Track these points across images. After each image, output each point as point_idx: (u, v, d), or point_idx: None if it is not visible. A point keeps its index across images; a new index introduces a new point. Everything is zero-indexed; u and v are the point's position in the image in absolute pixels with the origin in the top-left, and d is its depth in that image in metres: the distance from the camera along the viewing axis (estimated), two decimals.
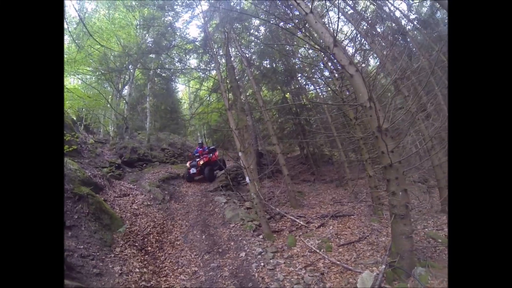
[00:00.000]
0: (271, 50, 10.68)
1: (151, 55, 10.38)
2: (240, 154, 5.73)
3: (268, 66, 12.45)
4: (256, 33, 11.93)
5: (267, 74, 12.11)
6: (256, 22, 11.56)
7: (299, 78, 13.20)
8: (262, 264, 4.12)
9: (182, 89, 19.68)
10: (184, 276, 3.98)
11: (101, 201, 5.95)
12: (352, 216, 6.39)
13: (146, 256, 4.55)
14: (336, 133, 9.51)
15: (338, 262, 3.94)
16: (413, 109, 5.98)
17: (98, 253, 4.25)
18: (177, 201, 7.97)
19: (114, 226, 5.43)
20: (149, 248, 4.85)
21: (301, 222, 5.86)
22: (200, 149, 10.93)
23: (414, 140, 6.78)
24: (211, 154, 10.64)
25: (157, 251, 4.80)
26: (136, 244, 4.90)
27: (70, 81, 16.01)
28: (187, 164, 10.52)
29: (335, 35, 3.31)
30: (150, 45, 11.18)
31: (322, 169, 13.42)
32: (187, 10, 10.11)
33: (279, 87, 13.66)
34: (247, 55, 11.29)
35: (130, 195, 7.55)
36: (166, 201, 7.74)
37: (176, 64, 12.57)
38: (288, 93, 14.17)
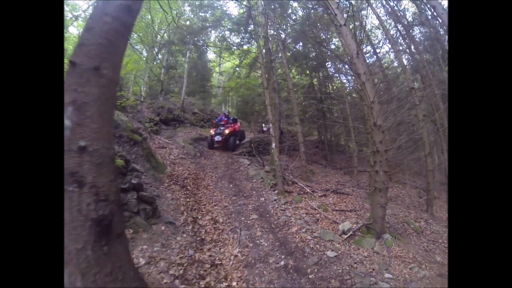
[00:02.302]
0: (306, 35, 11.11)
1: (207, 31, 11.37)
2: (270, 125, 7.08)
3: (301, 50, 12.94)
4: (294, 16, 12.29)
5: (298, 58, 12.71)
6: (294, 4, 11.81)
7: (328, 66, 13.77)
8: (276, 206, 5.64)
9: (212, 58, 21.11)
10: (218, 207, 5.52)
11: (150, 147, 7.49)
12: (350, 196, 7.60)
13: (187, 191, 6.08)
14: (352, 124, 10.50)
15: (330, 217, 5.32)
16: (420, 116, 6.93)
17: (154, 183, 5.80)
18: (206, 159, 9.46)
19: (160, 169, 6.97)
20: (188, 187, 6.38)
21: (308, 190, 7.21)
22: (225, 118, 11.36)
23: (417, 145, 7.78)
24: (233, 124, 11.22)
25: (195, 190, 6.34)
26: (178, 183, 6.42)
27: None
28: (212, 131, 10.75)
29: (358, 48, 4.36)
30: (205, 23, 12.24)
31: (335, 156, 14.29)
32: None
33: (308, 72, 14.28)
34: (283, 37, 11.85)
35: (167, 148, 9.07)
36: (197, 157, 9.23)
37: (216, 39, 13.53)
38: (315, 79, 14.76)
